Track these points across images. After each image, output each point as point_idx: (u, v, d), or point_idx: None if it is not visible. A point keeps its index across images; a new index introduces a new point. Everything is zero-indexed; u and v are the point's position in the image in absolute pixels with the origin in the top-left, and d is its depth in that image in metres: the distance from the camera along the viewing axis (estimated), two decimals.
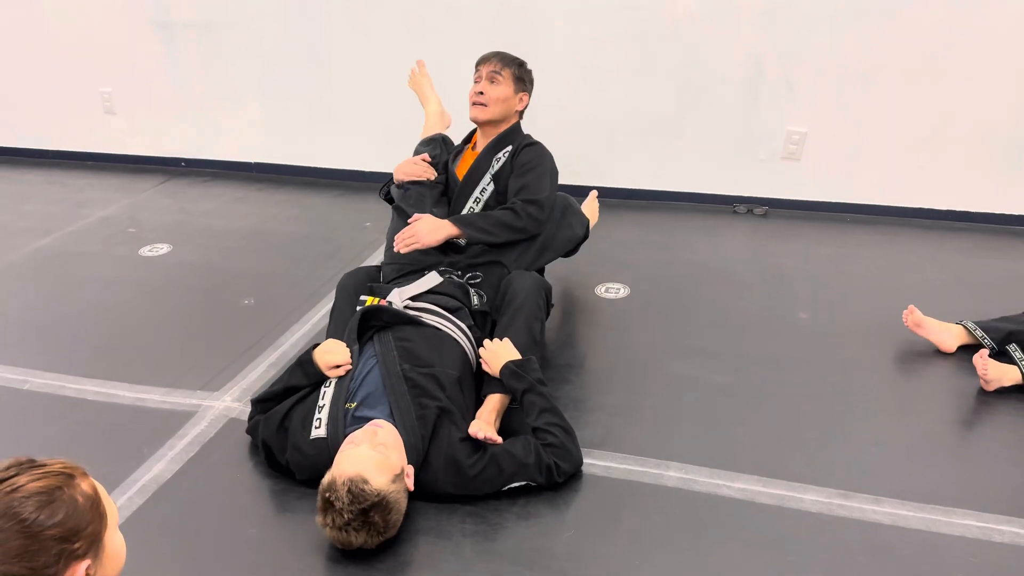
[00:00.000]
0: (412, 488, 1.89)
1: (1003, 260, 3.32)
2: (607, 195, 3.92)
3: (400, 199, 2.76)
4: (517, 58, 2.67)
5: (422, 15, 3.93)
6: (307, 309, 3.01)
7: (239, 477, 2.14)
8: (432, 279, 2.41)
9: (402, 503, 1.83)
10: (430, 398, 2.00)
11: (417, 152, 2.95)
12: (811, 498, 2.00)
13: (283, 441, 2.06)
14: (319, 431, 2.01)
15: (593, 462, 2.12)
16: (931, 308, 2.71)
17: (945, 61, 3.34)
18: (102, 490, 1.20)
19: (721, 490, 2.03)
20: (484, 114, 2.60)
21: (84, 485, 1.15)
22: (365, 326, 2.21)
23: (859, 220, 3.68)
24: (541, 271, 2.69)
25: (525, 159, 2.58)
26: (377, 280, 2.58)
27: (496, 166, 2.62)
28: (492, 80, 2.58)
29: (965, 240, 3.49)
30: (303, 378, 2.15)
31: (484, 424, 2.04)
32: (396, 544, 1.87)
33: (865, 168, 3.60)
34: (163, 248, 3.59)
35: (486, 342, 2.25)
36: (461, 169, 2.71)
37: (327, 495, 1.73)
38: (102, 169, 4.75)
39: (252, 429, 2.20)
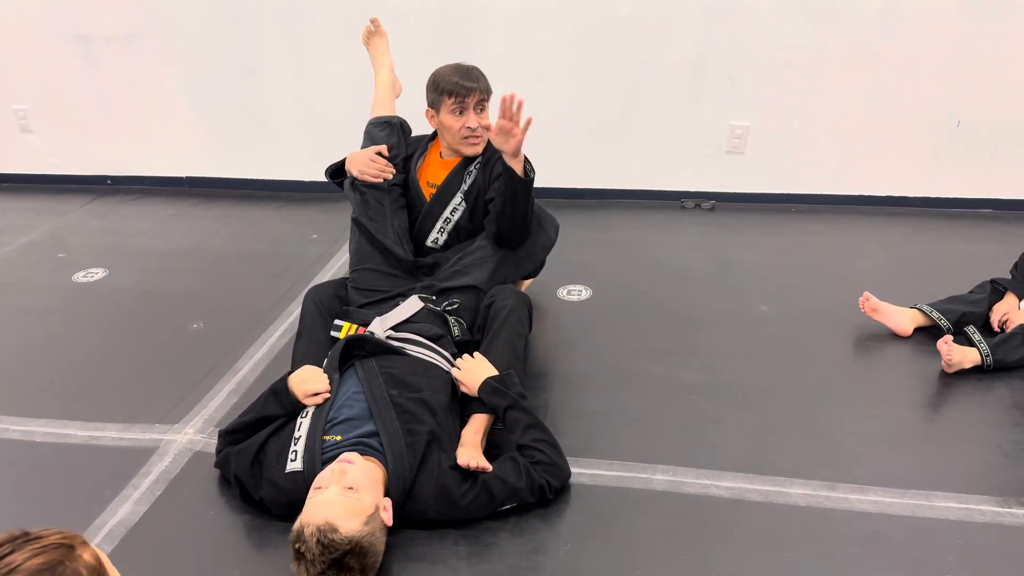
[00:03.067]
0: (390, 523, 1.81)
1: (941, 242, 3.44)
2: (556, 195, 3.92)
3: (357, 206, 2.62)
4: (480, 75, 2.52)
5: (358, 19, 3.82)
6: (262, 330, 2.89)
7: (213, 514, 2.04)
8: (413, 304, 2.33)
9: (379, 544, 1.74)
10: (419, 423, 1.94)
11: (371, 136, 2.76)
12: (798, 492, 2.02)
13: (258, 476, 1.97)
14: (295, 464, 1.92)
15: (580, 471, 2.09)
16: (881, 292, 2.77)
17: (879, 51, 3.43)
18: (104, 558, 1.12)
19: (710, 490, 2.04)
20: (480, 147, 2.54)
21: (86, 555, 1.06)
22: (347, 355, 2.12)
23: (802, 210, 3.76)
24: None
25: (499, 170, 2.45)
26: (344, 296, 2.49)
27: (468, 181, 2.55)
28: (481, 110, 2.48)
29: (904, 224, 3.61)
30: (278, 407, 2.05)
31: (472, 451, 1.99)
32: (390, 575, 1.80)
33: (806, 158, 3.68)
34: (98, 273, 3.41)
35: (459, 361, 2.18)
36: (426, 177, 2.64)
37: (297, 546, 1.63)
38: (21, 191, 4.48)
39: (222, 462, 2.09)
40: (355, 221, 2.60)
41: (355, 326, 2.28)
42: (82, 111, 4.25)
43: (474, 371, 2.14)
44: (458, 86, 2.43)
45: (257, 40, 3.94)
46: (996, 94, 3.41)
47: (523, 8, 3.62)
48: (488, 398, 2.09)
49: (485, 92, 2.47)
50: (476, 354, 2.19)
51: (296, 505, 1.90)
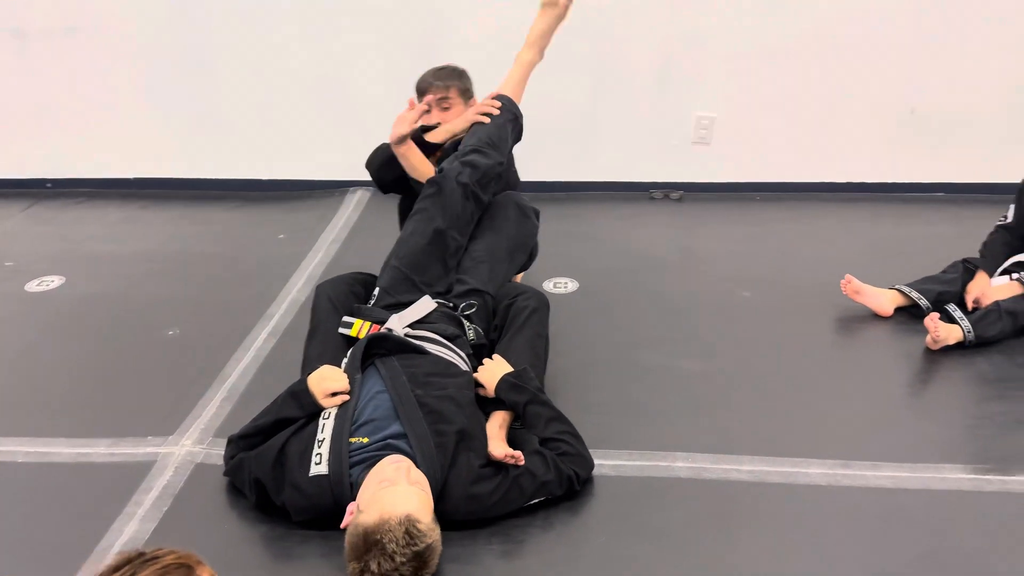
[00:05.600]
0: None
1: (900, 225, 3.57)
2: (525, 188, 3.87)
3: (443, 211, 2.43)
4: (454, 69, 2.58)
5: (317, 11, 3.73)
6: (244, 334, 2.78)
7: (226, 527, 1.95)
8: (427, 303, 2.27)
9: (440, 545, 1.71)
10: (447, 423, 1.90)
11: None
12: (816, 471, 2.06)
13: (280, 479, 1.88)
14: (320, 467, 1.85)
15: (601, 462, 2.08)
16: (854, 275, 2.82)
17: (837, 43, 3.54)
18: None
19: (731, 475, 2.06)
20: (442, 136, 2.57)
21: (205, 575, 1.00)
22: (366, 353, 2.06)
23: (768, 198, 3.85)
24: None
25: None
26: (359, 292, 2.41)
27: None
28: (443, 108, 2.49)
29: (862, 209, 3.73)
30: (297, 409, 1.97)
31: (501, 443, 1.96)
32: None
33: (770, 148, 3.77)
34: (54, 281, 3.21)
35: (480, 368, 2.17)
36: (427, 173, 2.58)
37: (377, 536, 1.58)
38: None
39: (234, 469, 2.00)
40: (439, 232, 2.39)
41: (368, 323, 2.21)
42: (17, 110, 4.00)
43: (492, 371, 2.12)
44: (422, 82, 2.59)
45: (208, 33, 3.79)
46: (947, 83, 3.57)
47: (488, 1, 3.59)
48: (507, 395, 2.06)
49: (444, 87, 2.57)
50: (495, 356, 2.17)
51: (319, 510, 1.84)
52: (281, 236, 3.59)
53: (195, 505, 2.02)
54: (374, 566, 1.58)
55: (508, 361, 2.15)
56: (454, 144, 2.59)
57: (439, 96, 2.56)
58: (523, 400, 2.05)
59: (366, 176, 2.80)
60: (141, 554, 1.05)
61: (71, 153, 4.11)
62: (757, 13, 3.52)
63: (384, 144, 2.62)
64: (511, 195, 2.68)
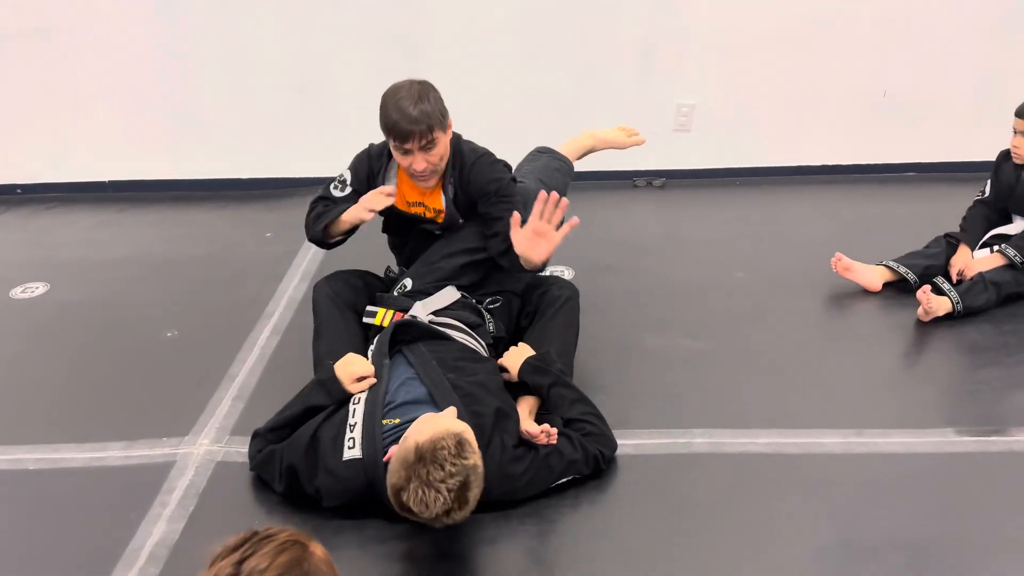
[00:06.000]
0: None
1: (875, 205, 3.68)
2: None
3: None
4: (425, 104, 2.14)
5: (298, 6, 3.70)
6: (246, 333, 2.75)
7: (258, 522, 1.87)
8: (451, 293, 2.29)
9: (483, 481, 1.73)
10: (483, 405, 1.92)
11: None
12: (830, 440, 2.13)
13: (312, 465, 1.88)
14: (353, 451, 1.85)
15: (622, 441, 2.12)
16: (834, 253, 2.90)
17: (813, 30, 3.63)
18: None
19: (749, 448, 2.12)
20: (435, 180, 2.32)
21: (318, 551, 1.04)
22: (392, 341, 2.06)
23: (747, 183, 3.93)
24: None
25: (483, 180, 2.33)
26: (359, 284, 2.40)
27: (449, 196, 2.38)
28: (429, 150, 2.19)
29: (839, 191, 3.84)
30: (326, 397, 1.97)
31: (533, 423, 1.99)
32: (471, 562, 1.78)
33: (749, 133, 3.85)
34: (38, 288, 3.14)
35: (506, 353, 2.20)
36: (403, 196, 2.41)
37: (429, 446, 1.61)
38: None
39: (263, 462, 1.99)
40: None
41: (391, 312, 2.22)
42: None
43: (517, 357, 2.16)
44: (396, 127, 2.13)
45: (184, 29, 3.72)
46: (917, 66, 3.69)
47: None
48: (530, 377, 2.09)
49: (428, 131, 2.14)
50: (520, 343, 2.20)
51: (353, 494, 1.85)
52: (269, 234, 3.55)
53: (222, 503, 2.00)
54: (423, 473, 1.60)
55: (540, 346, 2.18)
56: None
57: (424, 142, 2.17)
58: (547, 382, 2.08)
59: None
60: (255, 533, 1.06)
61: (42, 158, 4.01)
62: (735, 2, 3.59)
63: (319, 210, 2.41)
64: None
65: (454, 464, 1.62)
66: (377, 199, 2.28)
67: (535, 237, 2.10)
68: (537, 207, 2.06)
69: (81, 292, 3.10)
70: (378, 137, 2.38)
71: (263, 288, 3.06)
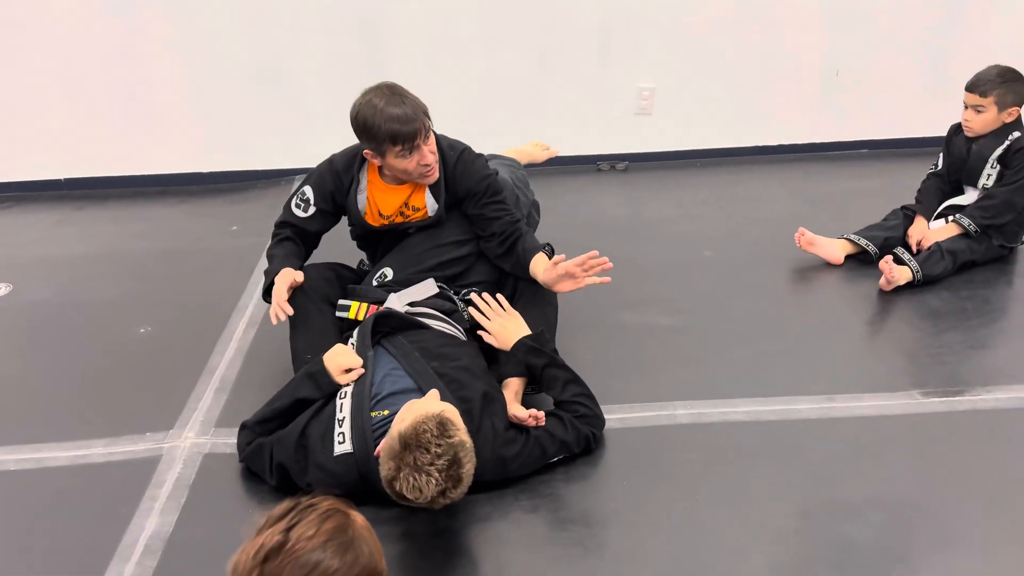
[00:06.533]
0: None
1: (832, 181, 3.79)
2: None
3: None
4: (407, 98, 2.17)
5: None
6: (222, 327, 2.73)
7: (252, 512, 1.91)
8: (429, 286, 2.29)
9: (475, 456, 1.74)
10: (469, 390, 1.94)
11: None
12: (805, 407, 2.21)
13: (303, 462, 1.89)
14: (344, 446, 1.86)
15: (608, 416, 2.15)
16: (796, 229, 3.00)
17: (768, 12, 3.73)
18: None
19: (730, 417, 2.19)
20: (436, 175, 2.30)
21: (359, 519, 1.06)
22: (372, 332, 2.07)
23: (707, 164, 4.02)
24: None
25: (471, 179, 2.33)
26: (332, 277, 2.40)
27: (441, 203, 2.37)
28: (426, 140, 2.20)
29: (797, 169, 3.95)
30: (315, 390, 1.97)
31: (520, 407, 2.02)
32: (467, 540, 1.82)
33: (708, 115, 3.93)
34: (1, 289, 3.06)
35: (492, 315, 2.20)
36: (376, 209, 2.38)
37: (412, 432, 1.61)
38: None
39: (252, 454, 1.99)
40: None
41: (365, 304, 2.22)
42: None
43: (505, 326, 2.16)
44: (400, 132, 2.13)
45: (139, 21, 3.65)
46: (868, 45, 3.80)
47: None
48: (525, 357, 2.12)
49: (426, 118, 2.17)
50: (507, 306, 2.21)
51: (346, 488, 1.86)
52: (234, 228, 3.52)
53: (214, 494, 2.00)
54: (410, 460, 1.60)
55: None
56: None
57: (425, 133, 2.18)
58: (541, 363, 2.11)
59: (310, 165, 2.58)
60: (298, 502, 1.08)
61: None
62: None
63: (271, 251, 2.40)
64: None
65: (439, 445, 1.62)
66: (277, 311, 2.21)
67: (567, 278, 2.16)
68: (583, 257, 2.12)
69: (47, 291, 3.04)
70: (340, 127, 2.35)
71: (234, 281, 3.03)
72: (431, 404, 1.75)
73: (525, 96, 3.85)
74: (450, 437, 1.65)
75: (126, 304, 2.91)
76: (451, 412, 1.74)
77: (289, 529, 1.03)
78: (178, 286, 3.04)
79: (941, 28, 3.77)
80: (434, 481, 1.62)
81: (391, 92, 2.17)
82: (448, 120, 3.90)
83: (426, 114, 2.19)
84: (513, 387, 2.13)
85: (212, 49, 3.71)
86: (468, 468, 1.70)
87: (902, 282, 2.75)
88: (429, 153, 2.22)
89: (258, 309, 2.82)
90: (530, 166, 3.28)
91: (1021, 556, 1.71)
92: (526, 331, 2.16)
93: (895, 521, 1.81)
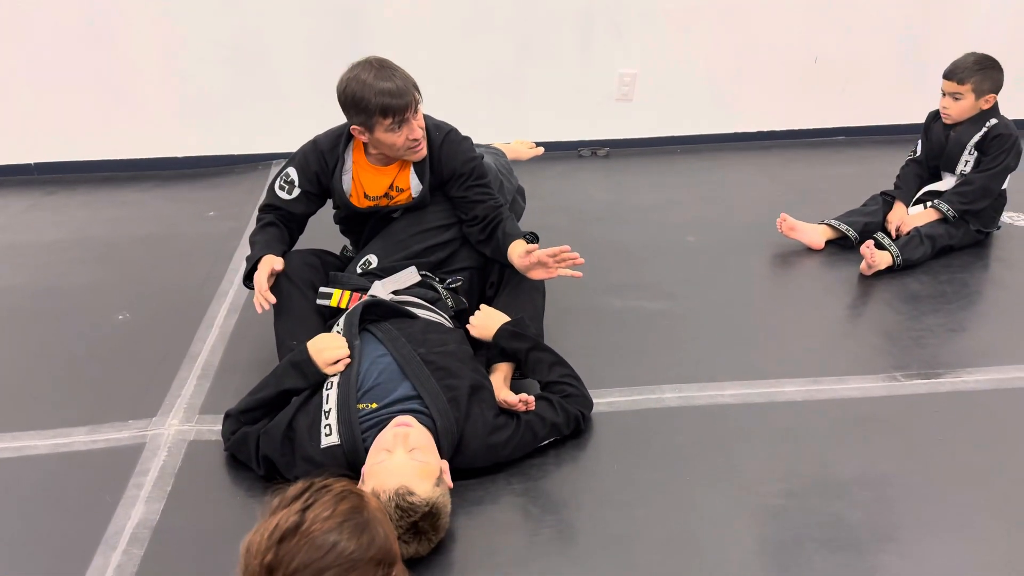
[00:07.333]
0: (451, 485, 1.76)
1: (810, 168, 3.84)
2: None
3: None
4: (396, 71, 2.16)
5: None
6: (202, 313, 2.69)
7: (238, 500, 1.92)
8: (411, 274, 2.27)
9: (448, 505, 1.71)
10: (456, 378, 1.92)
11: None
12: (791, 389, 2.23)
13: (289, 455, 1.86)
14: (331, 438, 1.83)
15: (597, 400, 2.16)
16: (776, 215, 3.03)
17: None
18: None
19: (718, 399, 2.20)
20: (424, 150, 2.29)
21: (373, 501, 1.04)
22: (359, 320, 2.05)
23: (688, 150, 4.04)
24: None
25: (456, 160, 2.32)
26: (315, 263, 2.37)
27: (425, 184, 2.35)
28: (416, 114, 2.19)
29: (775, 156, 3.98)
30: (301, 380, 1.94)
31: (509, 392, 2.02)
32: (459, 524, 1.80)
33: (688, 102, 3.95)
34: None
35: (476, 314, 2.20)
36: (361, 191, 2.36)
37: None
38: None
39: (237, 443, 1.95)
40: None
41: (348, 292, 2.20)
42: None
43: (486, 321, 2.16)
44: (391, 104, 2.11)
45: (110, 3, 3.58)
46: (846, 31, 3.84)
47: None
48: (508, 343, 2.11)
49: (416, 91, 2.16)
50: (483, 307, 2.22)
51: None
52: (212, 213, 3.47)
53: (200, 482, 1.97)
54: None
55: (512, 313, 2.20)
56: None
57: (416, 106, 2.18)
58: (525, 347, 2.10)
59: (289, 149, 2.56)
60: (312, 483, 1.07)
61: None
62: None
63: (254, 237, 2.38)
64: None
65: (400, 526, 1.55)
66: (260, 300, 2.19)
67: (538, 266, 2.15)
68: (556, 249, 2.10)
69: (21, 277, 2.98)
70: (318, 111, 2.32)
71: (214, 267, 2.99)
72: (392, 472, 1.63)
73: (507, 81, 3.83)
74: (410, 516, 1.57)
75: (102, 290, 2.86)
76: (411, 477, 1.62)
77: (305, 509, 1.02)
78: (156, 272, 2.99)
79: (918, 16, 3.82)
80: (407, 549, 1.59)
81: (380, 65, 2.16)
82: (429, 105, 3.88)
83: (416, 88, 2.17)
84: (501, 372, 2.12)
85: (187, 29, 3.66)
86: (443, 522, 1.67)
87: (882, 267, 2.78)
88: (418, 128, 2.20)
89: (239, 295, 2.79)
90: (513, 162, 3.27)
91: (999, 529, 1.75)
92: (505, 319, 2.16)
93: (883, 498, 1.84)
